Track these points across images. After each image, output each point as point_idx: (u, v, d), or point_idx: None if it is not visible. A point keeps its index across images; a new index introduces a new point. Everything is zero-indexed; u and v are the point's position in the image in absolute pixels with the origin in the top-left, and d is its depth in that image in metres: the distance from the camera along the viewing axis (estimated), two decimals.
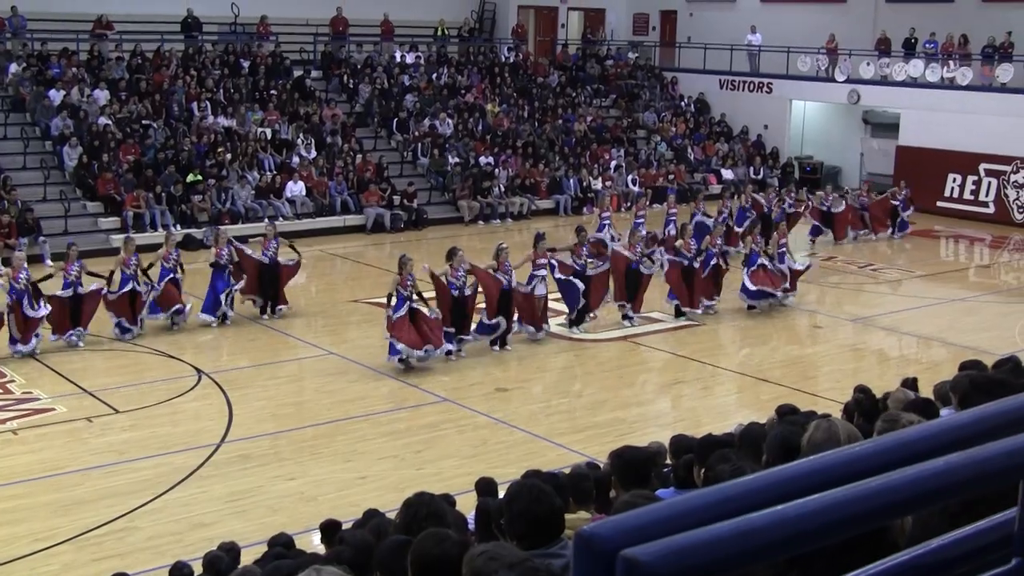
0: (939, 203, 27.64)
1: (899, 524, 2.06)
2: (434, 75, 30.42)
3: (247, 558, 7.45)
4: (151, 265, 15.83)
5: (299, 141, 25.73)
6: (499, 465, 10.65)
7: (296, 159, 25.06)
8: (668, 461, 7.15)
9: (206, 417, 12.73)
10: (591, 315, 16.51)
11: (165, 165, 23.22)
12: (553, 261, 16.11)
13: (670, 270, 17.19)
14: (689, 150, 31.08)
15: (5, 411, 12.78)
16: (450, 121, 28.31)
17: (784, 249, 18.10)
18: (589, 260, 16.55)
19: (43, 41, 26.04)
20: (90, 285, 15.34)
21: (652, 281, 17.12)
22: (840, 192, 24.74)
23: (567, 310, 16.52)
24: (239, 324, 16.61)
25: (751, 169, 29.94)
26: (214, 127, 25.03)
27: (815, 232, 23.72)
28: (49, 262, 19.07)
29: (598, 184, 27.71)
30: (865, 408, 6.85)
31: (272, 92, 27.14)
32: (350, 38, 30.46)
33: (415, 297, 14.30)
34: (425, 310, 14.37)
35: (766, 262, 17.59)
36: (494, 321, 15.25)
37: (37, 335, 14.80)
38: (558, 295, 16.48)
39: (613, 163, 28.91)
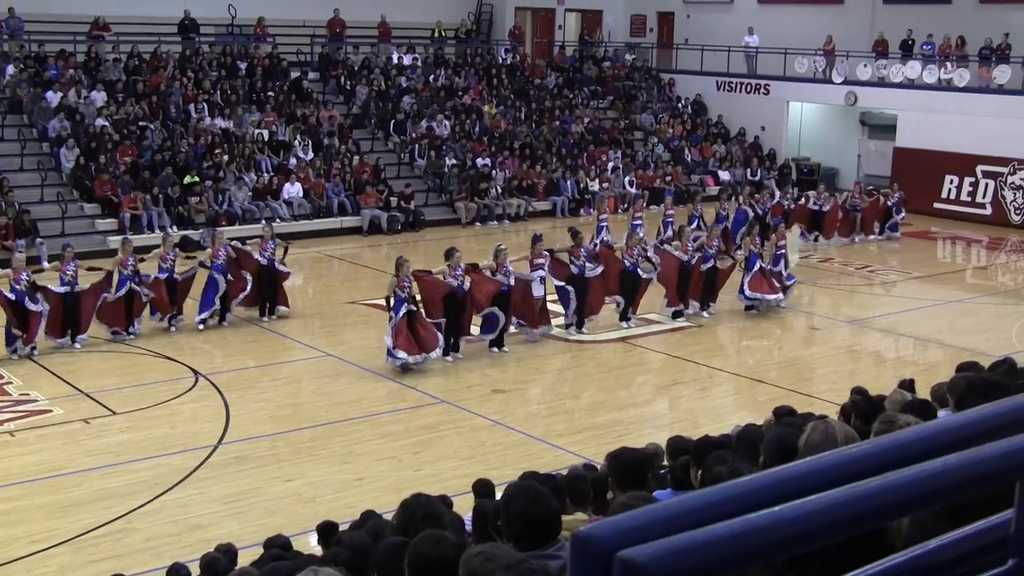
0: (936, 204, 27.69)
1: (896, 525, 2.06)
2: (431, 77, 30.41)
3: (244, 559, 7.46)
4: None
5: (296, 143, 25.71)
6: (496, 466, 10.66)
7: (293, 161, 25.05)
8: (665, 462, 7.16)
9: (203, 418, 12.72)
10: (591, 318, 16.51)
11: (162, 167, 23.21)
12: (544, 262, 16.02)
13: (664, 266, 17.16)
14: (686, 152, 31.07)
15: (2, 412, 12.77)
16: (447, 123, 28.29)
17: (782, 251, 18.12)
18: (587, 263, 16.54)
19: (40, 43, 26.02)
20: (88, 283, 15.33)
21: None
22: (832, 192, 24.75)
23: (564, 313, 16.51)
24: (237, 326, 16.61)
25: (748, 171, 29.93)
26: (211, 128, 25.02)
27: (803, 235, 23.80)
28: (46, 264, 19.03)
29: (595, 186, 27.71)
30: (862, 409, 6.85)
31: (269, 94, 27.12)
32: (347, 40, 30.45)
33: (411, 299, 14.28)
34: (421, 312, 14.38)
35: (764, 264, 17.59)
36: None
37: (34, 347, 14.82)
38: (556, 296, 16.49)
39: (610, 165, 28.90)
